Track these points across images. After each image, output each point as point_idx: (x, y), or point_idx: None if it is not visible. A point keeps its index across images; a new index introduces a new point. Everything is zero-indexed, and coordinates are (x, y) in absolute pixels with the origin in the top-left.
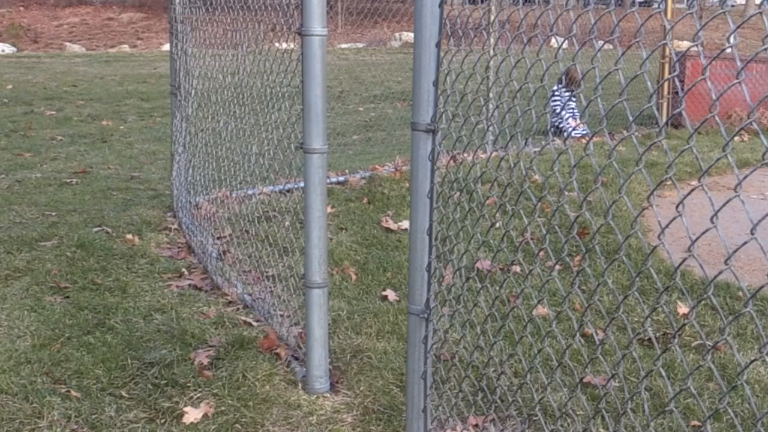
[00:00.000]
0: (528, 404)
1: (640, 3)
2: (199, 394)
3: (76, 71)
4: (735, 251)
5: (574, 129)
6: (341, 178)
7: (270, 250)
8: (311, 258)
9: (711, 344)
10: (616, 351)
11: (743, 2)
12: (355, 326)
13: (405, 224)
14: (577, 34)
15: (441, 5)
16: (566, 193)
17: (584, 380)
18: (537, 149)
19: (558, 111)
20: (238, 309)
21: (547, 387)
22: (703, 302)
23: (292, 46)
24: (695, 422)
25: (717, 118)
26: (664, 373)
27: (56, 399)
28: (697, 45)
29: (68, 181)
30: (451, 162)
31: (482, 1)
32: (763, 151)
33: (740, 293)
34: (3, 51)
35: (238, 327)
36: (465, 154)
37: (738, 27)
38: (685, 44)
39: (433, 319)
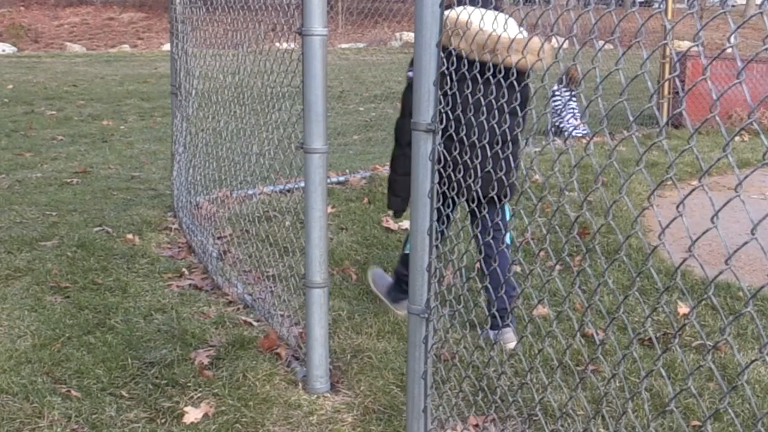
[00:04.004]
0: (528, 404)
1: (641, 3)
2: (199, 394)
3: (76, 71)
4: (735, 251)
5: (575, 128)
6: (342, 178)
7: (270, 250)
8: (312, 258)
9: (711, 344)
10: (616, 351)
11: (743, 2)
12: (356, 326)
13: (405, 224)
14: (577, 34)
15: (441, 5)
16: (567, 193)
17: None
18: (537, 149)
19: (559, 110)
20: (238, 309)
21: (548, 387)
22: (703, 302)
23: (292, 46)
24: (695, 422)
25: (717, 118)
26: (664, 373)
27: (56, 399)
28: (697, 45)
29: (69, 180)
30: None
31: None
32: (764, 151)
33: (740, 293)
34: (3, 51)
35: (238, 327)
36: None
37: (738, 27)
38: (685, 44)
39: (433, 319)
